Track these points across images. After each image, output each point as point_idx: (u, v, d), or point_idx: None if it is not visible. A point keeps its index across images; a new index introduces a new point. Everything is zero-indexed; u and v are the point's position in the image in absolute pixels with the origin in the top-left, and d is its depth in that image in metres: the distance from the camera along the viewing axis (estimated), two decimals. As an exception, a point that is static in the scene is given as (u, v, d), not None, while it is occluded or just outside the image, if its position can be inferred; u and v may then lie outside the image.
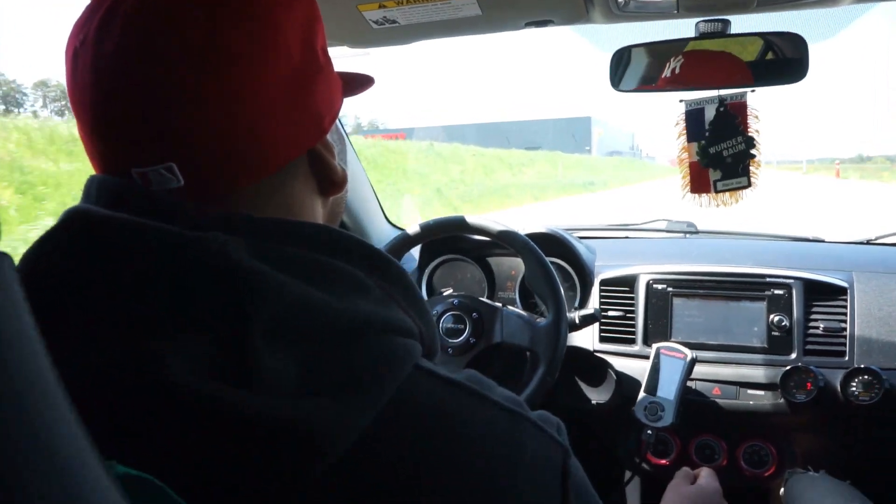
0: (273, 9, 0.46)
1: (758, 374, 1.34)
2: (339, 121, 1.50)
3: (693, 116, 1.29)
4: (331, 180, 0.52)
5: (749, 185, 1.26)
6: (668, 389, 1.30)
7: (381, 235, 1.73)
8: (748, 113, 1.25)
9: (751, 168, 1.26)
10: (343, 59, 1.27)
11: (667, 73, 1.25)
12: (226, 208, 0.44)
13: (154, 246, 0.40)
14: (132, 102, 0.43)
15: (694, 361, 1.30)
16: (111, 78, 0.43)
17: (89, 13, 0.46)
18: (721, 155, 1.27)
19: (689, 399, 1.33)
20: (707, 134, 1.28)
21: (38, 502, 0.23)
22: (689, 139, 1.29)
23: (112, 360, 0.37)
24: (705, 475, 0.99)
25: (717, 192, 1.27)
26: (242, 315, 0.38)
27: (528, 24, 1.09)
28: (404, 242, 1.37)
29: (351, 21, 1.08)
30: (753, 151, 1.25)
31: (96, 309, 0.39)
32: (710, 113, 1.28)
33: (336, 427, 0.37)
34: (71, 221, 0.43)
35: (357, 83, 0.59)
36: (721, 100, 1.26)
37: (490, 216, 1.38)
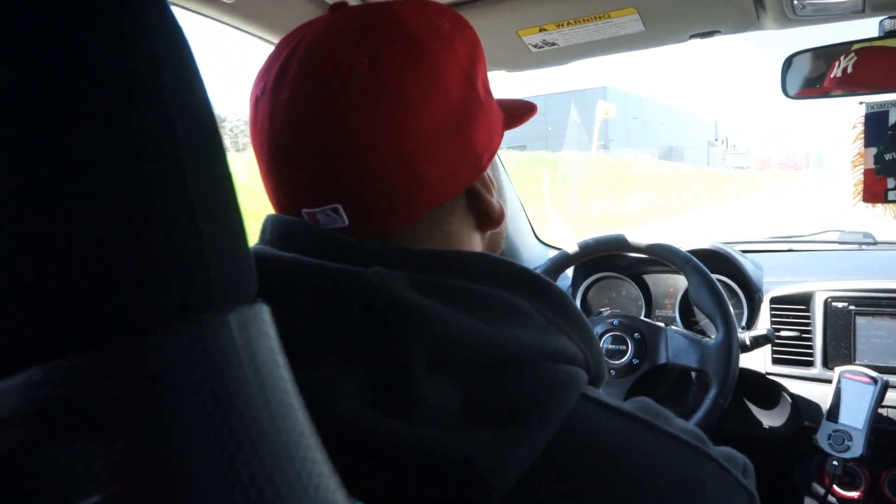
0: (432, 48, 0.47)
1: None
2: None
3: (874, 120, 1.20)
4: (488, 216, 0.52)
5: None
6: (854, 417, 1.19)
7: (532, 254, 1.74)
8: None
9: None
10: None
11: (836, 72, 1.17)
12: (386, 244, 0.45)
13: (317, 281, 0.42)
14: (300, 147, 0.46)
15: (886, 387, 1.19)
16: (284, 124, 0.46)
17: (269, 64, 0.49)
18: None
19: (881, 428, 1.21)
20: (887, 139, 1.18)
21: None
22: (867, 144, 1.20)
23: None
24: None
25: (887, 201, 1.17)
26: (404, 347, 0.38)
27: (693, 37, 1.06)
28: (564, 261, 1.37)
29: (510, 47, 1.10)
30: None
31: None
32: (893, 117, 1.18)
33: (501, 462, 0.36)
34: None
35: (518, 114, 0.58)
36: (907, 103, 1.16)
37: (649, 233, 1.34)
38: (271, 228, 0.49)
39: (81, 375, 0.23)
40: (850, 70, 1.15)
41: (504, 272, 0.46)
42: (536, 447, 0.38)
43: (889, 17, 1.03)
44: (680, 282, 1.56)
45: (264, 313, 0.28)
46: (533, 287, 0.46)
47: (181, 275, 0.25)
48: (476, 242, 0.53)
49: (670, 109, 47.03)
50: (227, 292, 0.26)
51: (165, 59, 0.25)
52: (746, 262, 1.49)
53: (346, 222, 0.46)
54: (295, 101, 0.46)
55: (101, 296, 0.23)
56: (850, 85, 1.16)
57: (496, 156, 0.55)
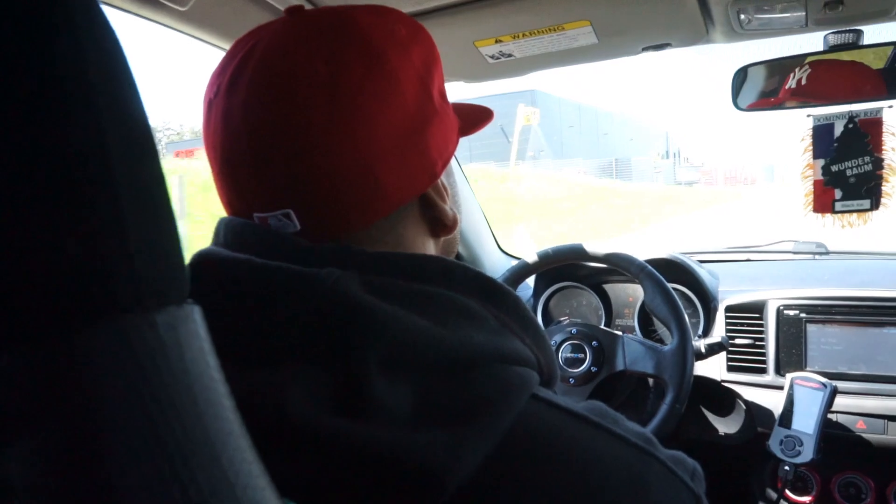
0: (389, 56, 0.47)
1: None
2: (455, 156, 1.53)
3: (820, 132, 1.24)
4: (442, 223, 0.52)
5: (872, 208, 1.18)
6: (805, 422, 1.22)
7: (495, 264, 1.74)
8: (883, 130, 1.18)
9: (882, 189, 1.19)
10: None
11: (791, 83, 1.20)
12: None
13: (269, 282, 0.42)
14: (254, 151, 0.45)
15: (835, 392, 1.22)
16: (238, 127, 0.46)
17: (223, 66, 0.49)
18: (844, 174, 1.21)
19: (831, 433, 1.24)
20: (833, 151, 1.22)
21: None
22: (816, 156, 1.24)
23: (236, 394, 0.38)
24: None
25: (835, 212, 1.21)
26: (357, 349, 0.39)
27: (646, 49, 1.08)
28: (523, 271, 1.38)
29: (467, 57, 1.11)
30: (882, 173, 1.18)
31: (221, 344, 0.40)
32: (838, 129, 1.22)
33: (451, 461, 0.36)
34: (199, 263, 0.46)
35: (474, 120, 0.58)
36: (851, 116, 1.20)
37: (607, 243, 1.36)
38: (224, 231, 0.49)
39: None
40: (804, 81, 1.18)
41: (458, 275, 0.46)
42: (487, 446, 0.38)
43: (833, 33, 1.07)
44: (639, 291, 1.58)
45: (195, 314, 0.28)
46: (486, 290, 0.47)
47: (106, 274, 0.25)
48: (430, 248, 0.53)
49: (614, 118, 41.51)
50: (155, 293, 0.26)
51: (94, 57, 0.25)
52: (702, 272, 1.52)
53: (298, 227, 0.46)
54: (250, 104, 0.45)
55: (21, 294, 0.23)
56: (802, 96, 1.20)
57: (451, 162, 0.55)
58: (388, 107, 0.46)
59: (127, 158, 0.25)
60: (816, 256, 1.73)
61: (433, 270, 0.46)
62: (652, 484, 0.42)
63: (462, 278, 0.46)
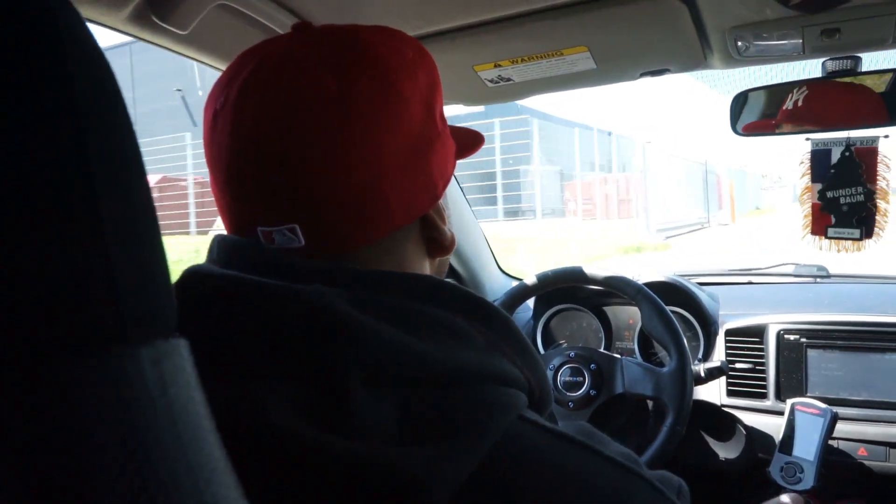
0: (399, 78, 0.47)
1: None
2: (456, 178, 1.54)
3: (818, 157, 1.24)
4: (440, 244, 0.53)
5: (863, 237, 1.18)
6: (806, 449, 1.21)
7: (495, 285, 1.74)
8: (878, 161, 1.18)
9: (876, 218, 1.19)
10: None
11: (788, 105, 1.20)
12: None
13: (256, 298, 0.42)
14: (264, 165, 0.46)
15: (835, 419, 1.21)
16: (248, 140, 0.46)
17: (229, 78, 0.49)
18: (837, 202, 1.22)
19: (832, 460, 1.23)
20: (829, 178, 1.22)
21: None
22: (813, 179, 1.24)
23: (216, 406, 0.37)
24: None
25: (828, 237, 1.22)
26: (341, 363, 0.39)
27: (644, 74, 1.09)
28: (522, 293, 1.38)
29: (467, 81, 1.12)
30: (872, 205, 1.18)
31: (203, 359, 0.39)
32: (835, 156, 1.22)
33: (436, 475, 0.36)
34: (185, 279, 0.46)
35: (468, 143, 0.59)
36: (848, 143, 1.21)
37: (605, 265, 1.36)
38: (217, 249, 0.49)
39: None
40: (800, 103, 1.19)
41: (447, 294, 0.46)
42: (470, 462, 0.38)
43: (830, 59, 1.07)
44: (639, 314, 1.57)
45: (181, 348, 0.28)
46: (475, 310, 0.47)
47: (88, 306, 0.24)
48: (425, 268, 0.54)
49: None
50: (141, 326, 0.26)
51: (81, 82, 0.25)
52: (702, 295, 1.52)
53: (303, 243, 0.46)
54: (260, 117, 0.46)
55: (3, 322, 0.23)
56: (799, 120, 1.20)
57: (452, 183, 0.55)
58: (397, 126, 0.47)
59: (112, 185, 0.25)
60: (818, 280, 1.72)
61: (422, 288, 0.46)
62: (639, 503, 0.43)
63: (450, 297, 0.46)
